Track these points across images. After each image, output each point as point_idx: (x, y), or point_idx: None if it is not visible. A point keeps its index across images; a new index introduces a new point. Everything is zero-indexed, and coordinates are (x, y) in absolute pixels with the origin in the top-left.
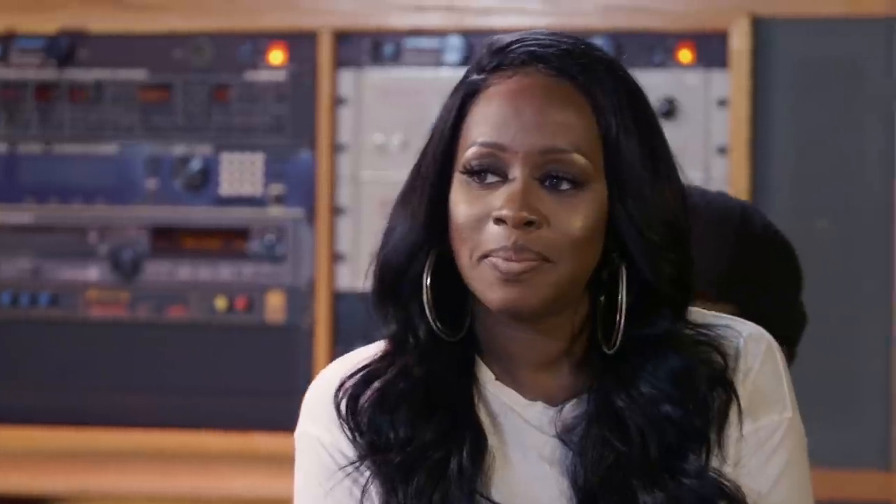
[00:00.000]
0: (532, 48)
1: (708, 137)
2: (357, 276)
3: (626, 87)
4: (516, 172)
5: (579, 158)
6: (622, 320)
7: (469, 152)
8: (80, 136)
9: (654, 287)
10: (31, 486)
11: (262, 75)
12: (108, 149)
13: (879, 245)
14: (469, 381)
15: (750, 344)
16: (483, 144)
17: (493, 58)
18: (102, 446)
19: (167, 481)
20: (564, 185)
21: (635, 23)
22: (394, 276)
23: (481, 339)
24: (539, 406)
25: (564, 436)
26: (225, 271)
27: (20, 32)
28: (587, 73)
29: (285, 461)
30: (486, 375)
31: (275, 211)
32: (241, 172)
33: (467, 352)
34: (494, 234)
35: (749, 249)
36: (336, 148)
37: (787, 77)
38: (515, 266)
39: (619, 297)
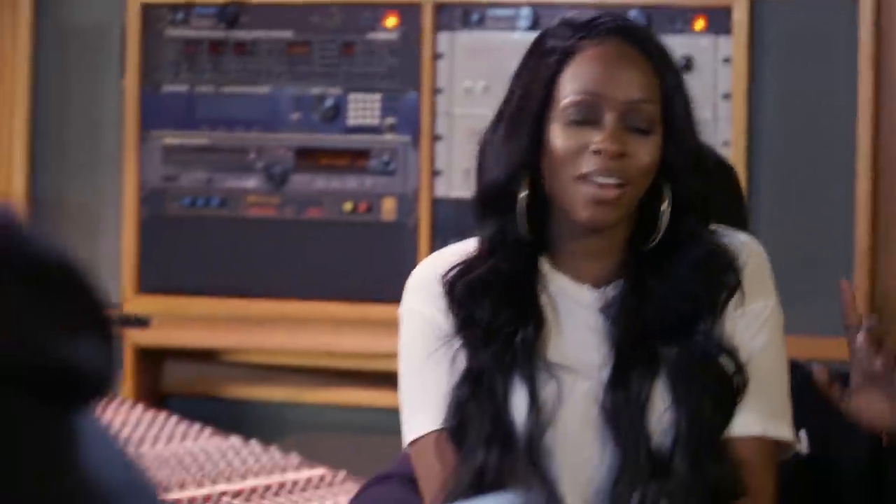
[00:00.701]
0: (615, 23)
1: (716, 87)
2: (450, 186)
3: (671, 57)
4: (609, 116)
5: (652, 108)
6: (665, 221)
7: (571, 98)
8: (242, 80)
9: (687, 203)
10: (205, 340)
11: (379, 35)
12: (263, 90)
13: (845, 165)
14: (534, 273)
15: (746, 245)
16: (584, 93)
17: (579, 30)
18: (258, 312)
19: (306, 339)
20: (640, 130)
21: None
22: (497, 193)
23: (550, 240)
24: (586, 288)
25: (605, 310)
26: (351, 182)
27: (198, 2)
28: (650, 44)
29: (393, 325)
30: (546, 266)
31: (389, 137)
32: (364, 108)
33: (535, 249)
34: (591, 162)
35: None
36: (435, 91)
37: (775, 42)
38: (609, 193)
39: (664, 206)
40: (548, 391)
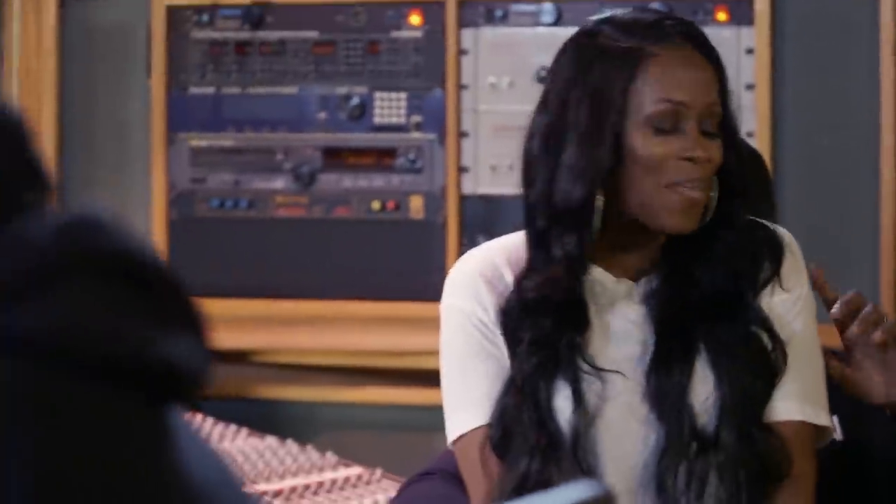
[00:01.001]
0: (682, 26)
1: (739, 77)
2: (477, 183)
3: (721, 57)
4: (691, 122)
5: (719, 111)
6: (712, 207)
7: (657, 108)
8: (268, 80)
9: (731, 190)
10: (234, 342)
11: (404, 34)
12: (290, 90)
13: (868, 153)
14: (581, 274)
15: (780, 235)
16: (670, 101)
17: (646, 33)
18: (287, 313)
19: (336, 338)
20: (710, 133)
21: None
22: (580, 208)
23: (601, 241)
24: (625, 282)
25: (647, 301)
26: (378, 181)
27: (223, 4)
28: (709, 45)
29: (424, 322)
30: (588, 264)
31: (415, 135)
32: (390, 107)
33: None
34: (683, 169)
35: None
36: (460, 87)
37: (797, 32)
38: (696, 197)
39: (713, 194)
40: (591, 389)
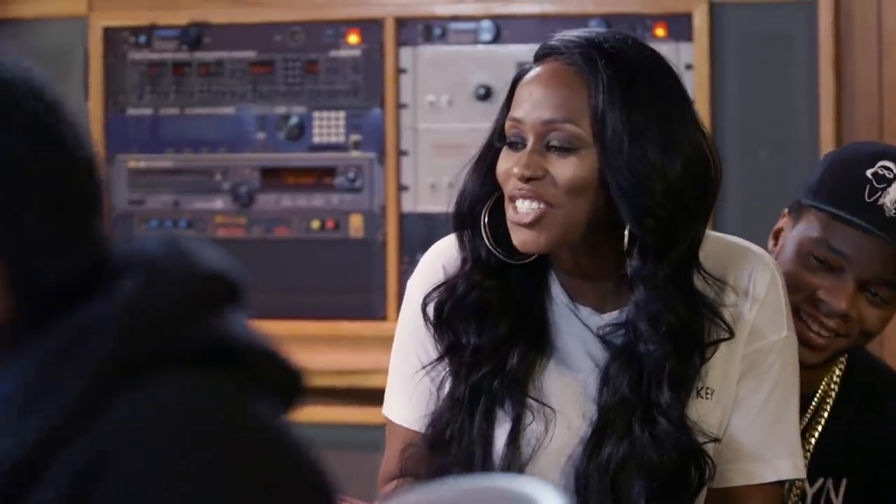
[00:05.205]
0: (554, 43)
1: None
2: (417, 201)
3: (621, 71)
4: (529, 139)
5: (570, 127)
6: (626, 244)
7: (508, 125)
8: (206, 101)
9: (641, 230)
10: None
11: (342, 53)
12: (228, 110)
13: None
14: (543, 292)
15: (759, 271)
16: (510, 119)
17: (536, 54)
18: None
19: None
20: (558, 148)
21: (621, 7)
22: (464, 214)
23: (552, 259)
24: (588, 311)
25: (604, 338)
26: (317, 200)
27: (160, 25)
28: (586, 60)
29: (364, 341)
30: (554, 285)
31: (354, 154)
32: (328, 126)
33: (544, 269)
34: (514, 184)
35: None
36: (399, 106)
37: (736, 47)
38: (525, 217)
39: (625, 237)
40: (531, 429)
